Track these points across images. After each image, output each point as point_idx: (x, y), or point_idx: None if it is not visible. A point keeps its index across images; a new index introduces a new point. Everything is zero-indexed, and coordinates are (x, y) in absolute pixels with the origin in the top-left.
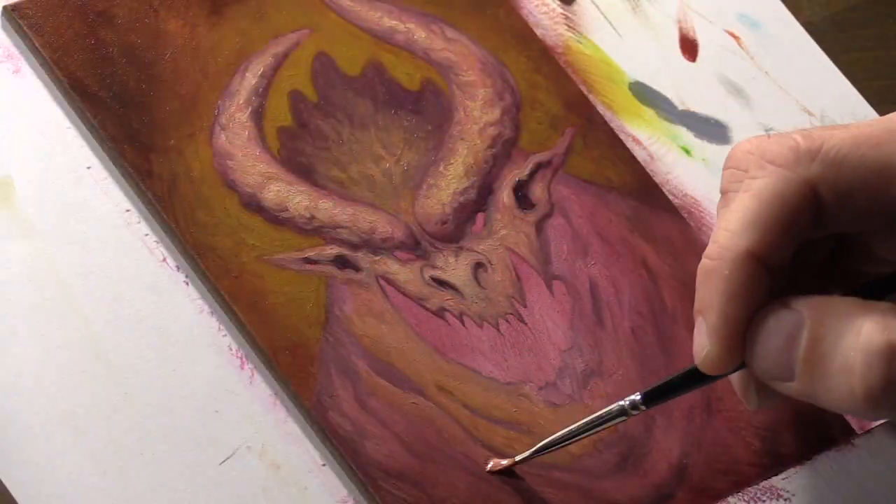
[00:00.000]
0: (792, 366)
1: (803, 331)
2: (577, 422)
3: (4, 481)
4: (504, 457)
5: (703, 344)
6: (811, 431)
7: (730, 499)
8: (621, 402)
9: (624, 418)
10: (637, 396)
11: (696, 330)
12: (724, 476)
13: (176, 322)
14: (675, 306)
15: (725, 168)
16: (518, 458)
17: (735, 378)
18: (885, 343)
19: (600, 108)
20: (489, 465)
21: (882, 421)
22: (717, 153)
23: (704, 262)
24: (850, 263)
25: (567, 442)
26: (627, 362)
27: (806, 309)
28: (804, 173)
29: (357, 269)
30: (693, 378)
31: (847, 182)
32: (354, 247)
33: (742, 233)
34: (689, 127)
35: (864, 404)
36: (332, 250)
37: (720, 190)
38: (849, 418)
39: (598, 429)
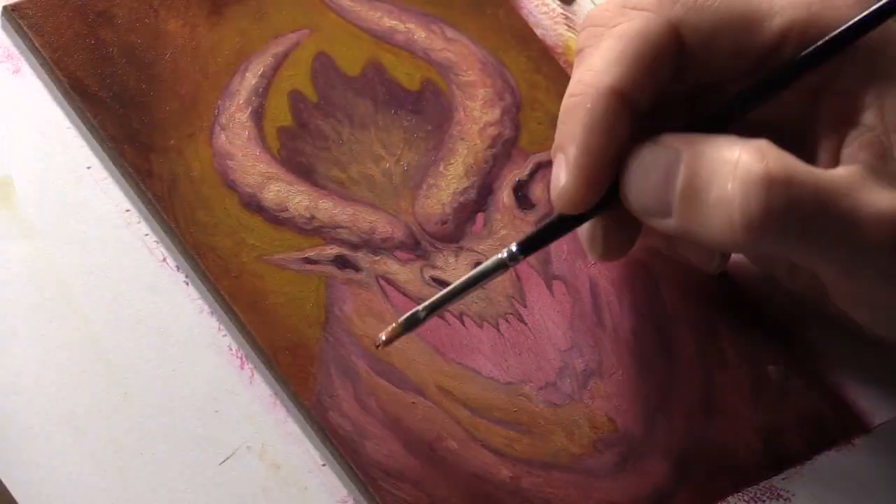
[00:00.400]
0: (669, 202)
1: (680, 165)
2: (460, 280)
3: (4, 481)
4: (504, 457)
5: (560, 179)
6: (811, 431)
7: (730, 499)
8: (499, 256)
9: (504, 270)
10: (513, 247)
11: (553, 167)
12: (724, 476)
13: (176, 322)
14: (676, 306)
15: (581, 30)
16: (400, 320)
17: (583, 228)
18: (763, 171)
19: None
20: (377, 341)
21: (882, 421)
22: None
23: (566, 100)
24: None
25: (451, 300)
26: (627, 362)
27: (682, 144)
28: (667, 14)
29: (357, 269)
30: (560, 223)
31: (710, 24)
32: (354, 247)
33: (606, 70)
34: None
35: (743, 235)
36: (332, 250)
37: (576, 50)
38: (848, 418)
39: (481, 283)
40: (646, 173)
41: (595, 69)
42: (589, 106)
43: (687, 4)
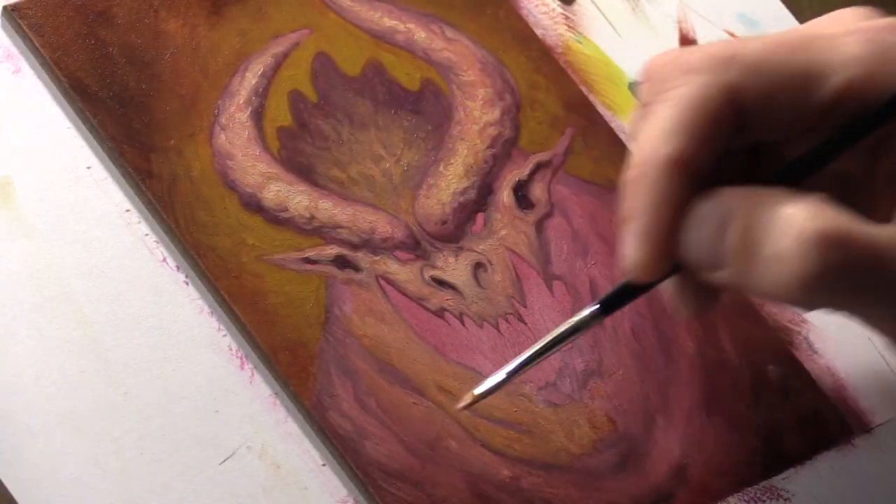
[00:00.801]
0: (723, 255)
1: (734, 219)
2: (537, 345)
3: (4, 481)
4: (504, 457)
5: (631, 253)
6: (811, 431)
7: (730, 499)
8: (579, 316)
9: (585, 331)
10: (595, 307)
11: (622, 240)
12: (724, 476)
13: (176, 322)
14: None
15: (643, 81)
16: (478, 391)
17: (668, 288)
18: (819, 230)
19: (600, 108)
20: (459, 405)
21: (882, 421)
22: None
23: (629, 172)
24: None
25: (530, 364)
26: (627, 362)
27: (736, 198)
28: (724, 78)
29: (357, 269)
30: (633, 288)
31: (766, 86)
32: (354, 247)
33: (665, 140)
34: None
35: (798, 293)
36: (332, 250)
37: (640, 104)
38: (849, 418)
39: (559, 347)
40: (701, 227)
41: (654, 138)
42: (651, 179)
43: (743, 66)
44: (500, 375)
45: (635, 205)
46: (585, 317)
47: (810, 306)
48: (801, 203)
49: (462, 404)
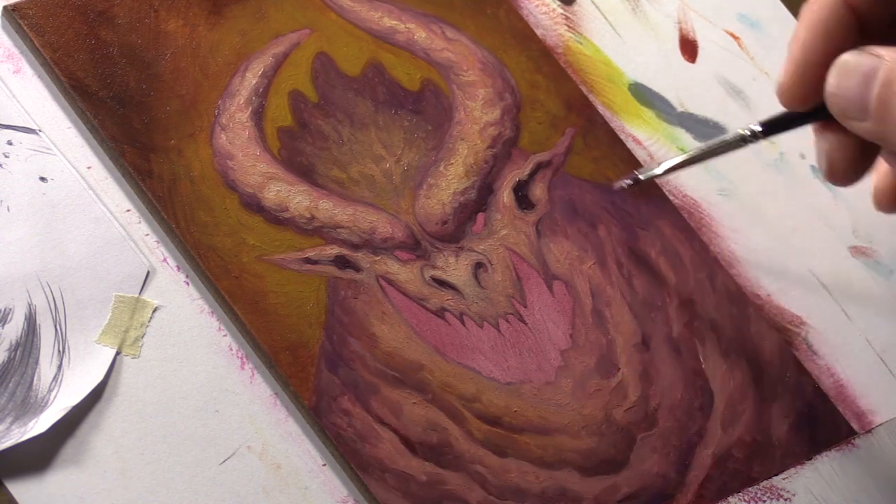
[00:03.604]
0: (867, 105)
1: (880, 72)
2: (695, 149)
3: (4, 481)
4: (505, 457)
5: (780, 74)
6: (811, 431)
7: (730, 499)
8: (741, 130)
9: (743, 145)
10: (757, 126)
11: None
12: (724, 476)
13: (176, 322)
14: (676, 307)
15: None
16: (642, 175)
17: (822, 145)
18: None
19: (600, 109)
20: (618, 184)
21: (882, 421)
22: None
23: (804, 4)
24: None
25: (688, 165)
26: (627, 362)
27: (885, 52)
28: None
29: (357, 269)
30: (790, 116)
31: None
32: (355, 247)
33: None
34: (687, 129)
35: None
36: (333, 250)
37: None
38: (848, 418)
39: (718, 155)
40: (847, 75)
41: None
42: (815, 8)
43: None
44: (659, 169)
45: (795, 32)
46: (748, 133)
47: None
48: None
49: (621, 183)
